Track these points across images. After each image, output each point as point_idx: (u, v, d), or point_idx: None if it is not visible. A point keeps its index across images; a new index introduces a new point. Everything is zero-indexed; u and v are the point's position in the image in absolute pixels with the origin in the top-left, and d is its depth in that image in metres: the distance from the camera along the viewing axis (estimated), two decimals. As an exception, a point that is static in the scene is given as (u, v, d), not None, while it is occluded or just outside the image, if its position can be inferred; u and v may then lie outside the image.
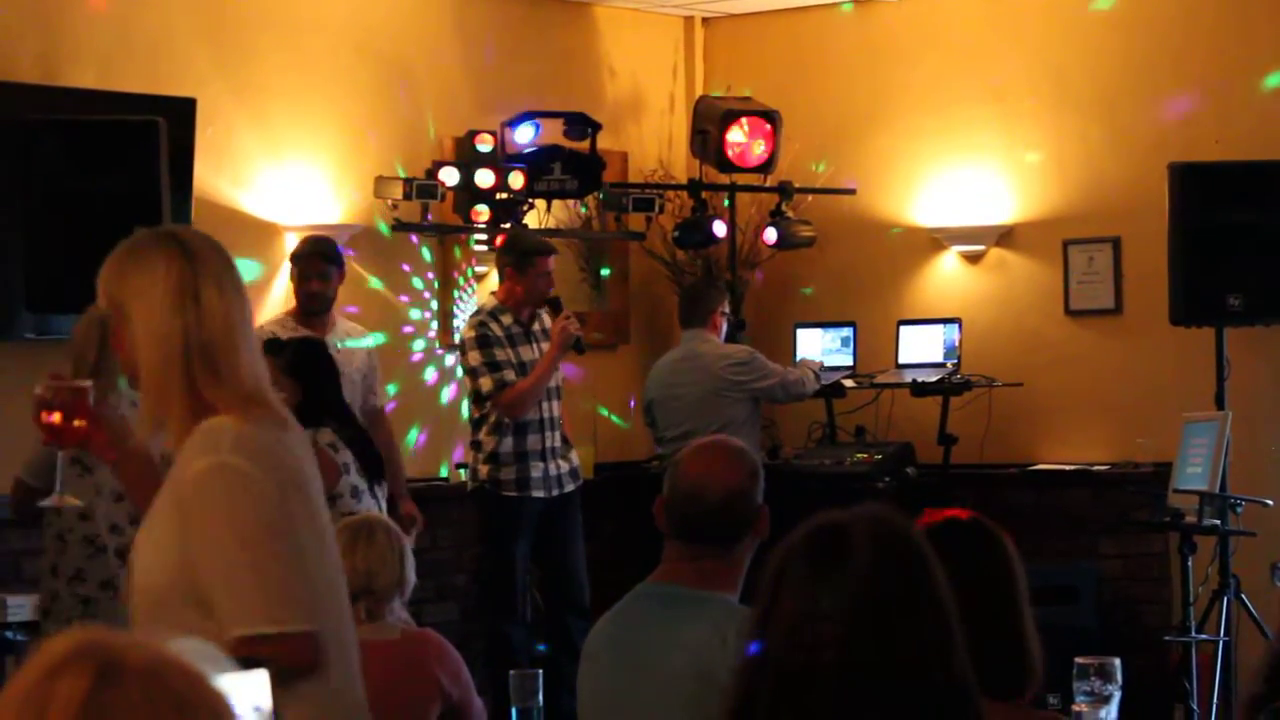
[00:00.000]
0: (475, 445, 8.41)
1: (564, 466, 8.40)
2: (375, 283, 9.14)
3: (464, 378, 8.56)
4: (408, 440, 9.16)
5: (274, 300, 8.70)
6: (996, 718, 2.72)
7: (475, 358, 8.26)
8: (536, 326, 8.37)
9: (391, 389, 9.09)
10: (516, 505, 8.26)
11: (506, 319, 8.30)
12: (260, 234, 8.70)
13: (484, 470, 8.32)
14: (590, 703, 4.18)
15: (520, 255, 8.32)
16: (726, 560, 4.07)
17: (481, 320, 8.34)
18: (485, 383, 8.24)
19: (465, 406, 9.36)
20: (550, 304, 8.35)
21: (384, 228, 9.06)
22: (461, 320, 9.38)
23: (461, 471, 9.06)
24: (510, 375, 8.21)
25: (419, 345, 9.34)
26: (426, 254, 9.37)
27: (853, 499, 9.15)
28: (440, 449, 9.31)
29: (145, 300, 3.31)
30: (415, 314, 9.32)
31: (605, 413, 10.04)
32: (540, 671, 4.37)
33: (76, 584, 6.18)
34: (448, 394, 9.42)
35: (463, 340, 8.41)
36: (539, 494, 8.29)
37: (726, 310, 9.17)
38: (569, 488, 8.40)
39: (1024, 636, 3.16)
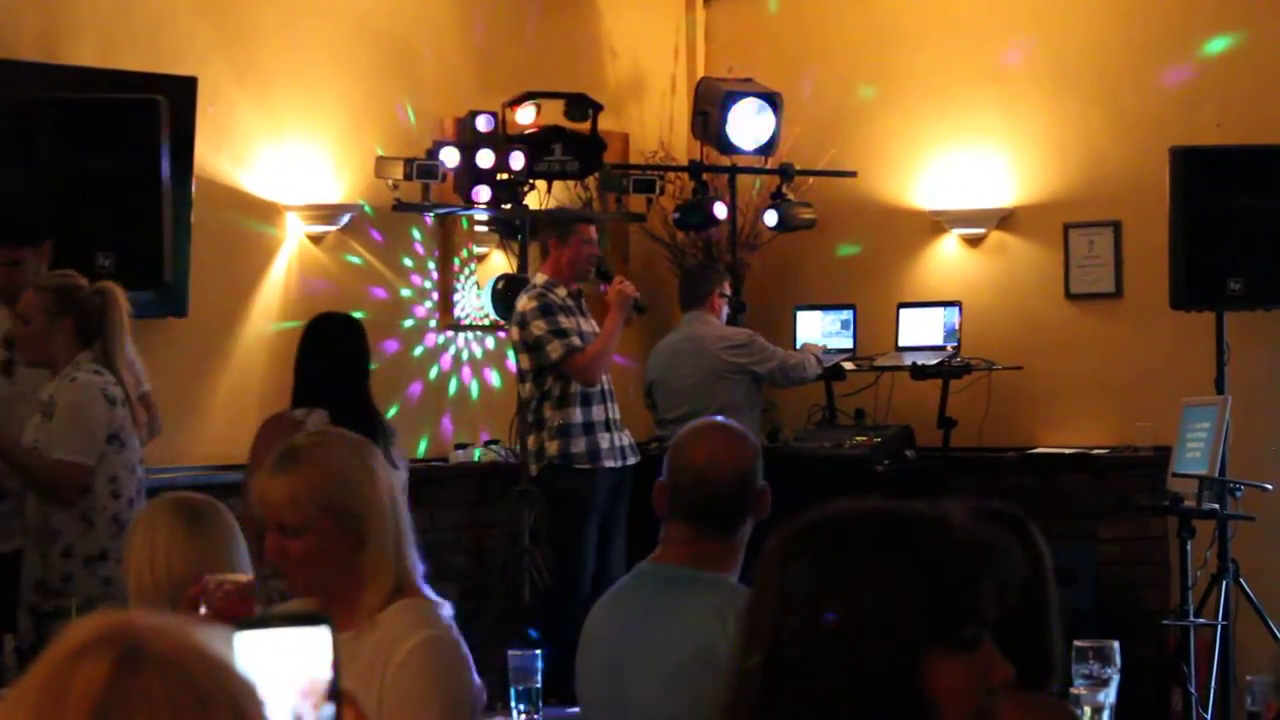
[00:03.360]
0: (537, 424, 8.29)
1: (625, 439, 8.39)
2: (375, 263, 9.13)
3: (521, 355, 8.39)
4: (403, 420, 9.15)
5: (273, 281, 8.70)
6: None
7: (540, 326, 8.18)
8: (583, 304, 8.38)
9: (389, 370, 9.11)
10: (590, 478, 8.21)
11: (560, 292, 8.28)
12: (261, 213, 8.69)
13: (553, 447, 8.23)
14: (590, 682, 4.19)
15: (562, 225, 8.35)
16: (729, 542, 4.07)
17: (540, 291, 8.27)
18: (555, 349, 8.16)
19: (474, 388, 9.37)
20: (600, 274, 8.37)
21: (385, 208, 9.05)
22: (461, 300, 9.38)
23: (463, 451, 9.06)
24: (577, 341, 8.17)
25: (418, 326, 9.33)
26: (426, 234, 9.36)
27: (851, 482, 9.16)
28: (437, 429, 9.31)
29: (375, 501, 3.57)
30: (415, 294, 9.31)
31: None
32: (539, 651, 4.37)
33: (98, 564, 6.07)
34: (446, 375, 9.42)
35: (522, 313, 8.26)
36: (610, 464, 8.25)
37: (726, 291, 9.16)
38: (631, 461, 8.37)
39: (1051, 634, 3.18)
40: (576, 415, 8.21)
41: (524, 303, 8.31)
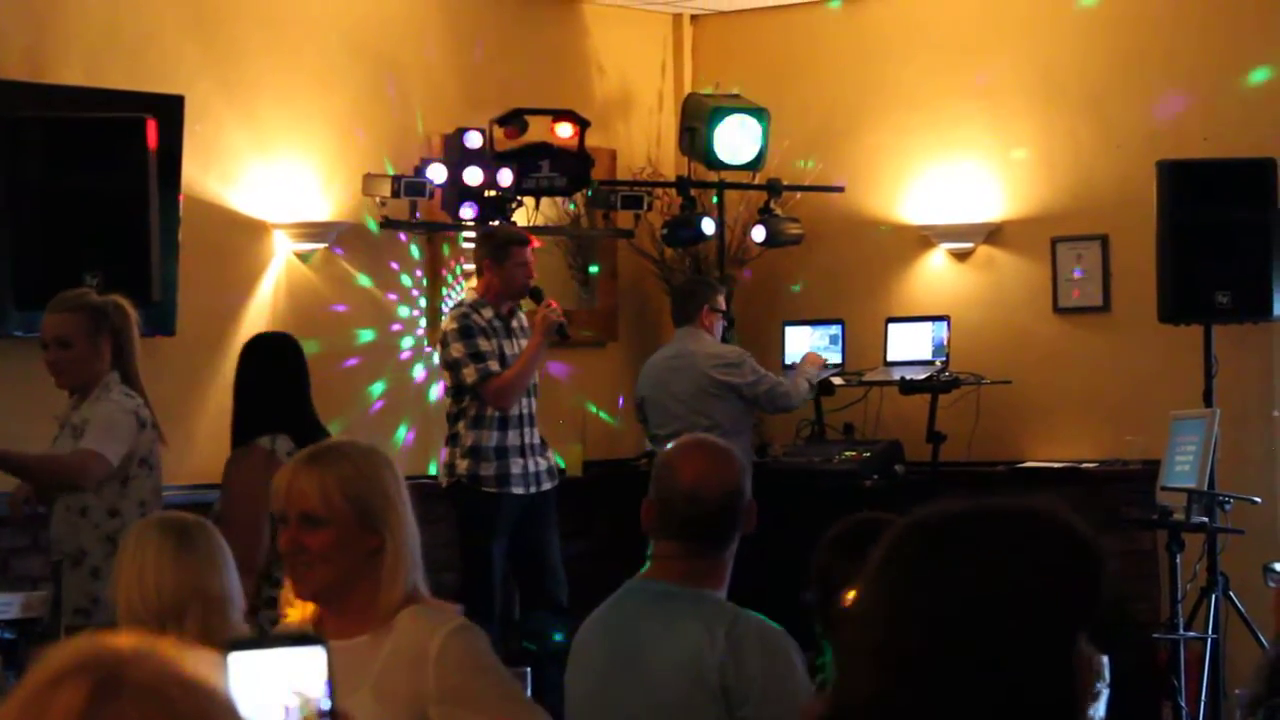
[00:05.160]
0: (452, 440, 8.35)
1: (542, 464, 8.37)
2: (363, 280, 9.13)
3: (444, 372, 8.48)
4: (395, 438, 9.15)
5: (261, 299, 8.69)
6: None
7: (458, 349, 8.23)
8: (515, 324, 8.38)
9: (379, 387, 9.11)
10: (495, 501, 8.23)
11: (487, 313, 8.30)
12: (248, 232, 8.69)
13: (462, 465, 8.27)
14: (579, 699, 4.18)
15: (496, 246, 8.33)
16: (717, 558, 4.07)
17: (464, 312, 8.32)
18: (469, 373, 8.20)
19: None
20: (531, 294, 8.35)
21: (372, 225, 9.05)
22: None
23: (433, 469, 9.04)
24: (494, 365, 8.19)
25: (407, 343, 9.33)
26: (415, 251, 9.36)
27: (840, 497, 9.17)
28: (428, 447, 9.30)
29: (398, 506, 3.62)
30: (403, 312, 9.31)
31: (595, 409, 10.03)
32: (528, 670, 4.37)
33: None
34: (436, 391, 9.41)
35: (444, 332, 8.36)
36: (518, 490, 8.26)
37: (720, 305, 9.13)
38: (546, 486, 8.38)
39: None
40: (491, 438, 8.23)
41: (446, 322, 8.42)
